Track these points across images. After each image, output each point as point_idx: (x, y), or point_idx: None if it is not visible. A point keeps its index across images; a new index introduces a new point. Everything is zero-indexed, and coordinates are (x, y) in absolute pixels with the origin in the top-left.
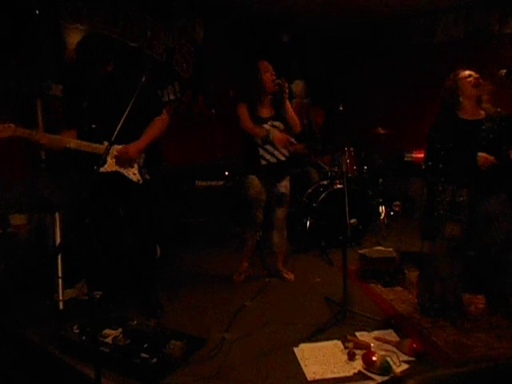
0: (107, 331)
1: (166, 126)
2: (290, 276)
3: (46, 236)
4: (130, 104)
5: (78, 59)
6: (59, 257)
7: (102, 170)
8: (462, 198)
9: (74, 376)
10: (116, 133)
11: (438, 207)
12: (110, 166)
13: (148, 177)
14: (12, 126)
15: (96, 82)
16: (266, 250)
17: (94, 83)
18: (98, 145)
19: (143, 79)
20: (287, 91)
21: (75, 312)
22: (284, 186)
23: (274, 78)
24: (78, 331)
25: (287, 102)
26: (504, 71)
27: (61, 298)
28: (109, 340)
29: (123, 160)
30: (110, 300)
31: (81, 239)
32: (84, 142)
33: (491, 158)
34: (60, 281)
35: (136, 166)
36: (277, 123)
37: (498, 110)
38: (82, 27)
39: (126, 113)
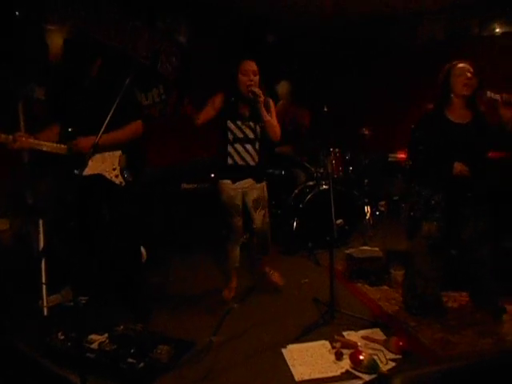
0: (93, 337)
1: (138, 133)
2: (277, 277)
3: (29, 241)
4: (113, 108)
5: (66, 56)
6: (43, 262)
7: (83, 173)
8: (437, 199)
9: (60, 383)
10: (98, 138)
11: (415, 207)
12: (91, 168)
13: (131, 179)
14: None
15: (82, 83)
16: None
17: (80, 85)
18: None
19: (127, 82)
20: (261, 100)
21: (60, 318)
22: (256, 193)
23: (251, 84)
24: (63, 337)
25: (263, 111)
26: (496, 95)
27: (45, 304)
28: (95, 346)
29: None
30: (95, 305)
31: (65, 243)
32: (62, 146)
33: (466, 170)
34: (44, 287)
35: (118, 167)
36: (252, 124)
37: (487, 117)
38: (66, 29)
39: (109, 117)
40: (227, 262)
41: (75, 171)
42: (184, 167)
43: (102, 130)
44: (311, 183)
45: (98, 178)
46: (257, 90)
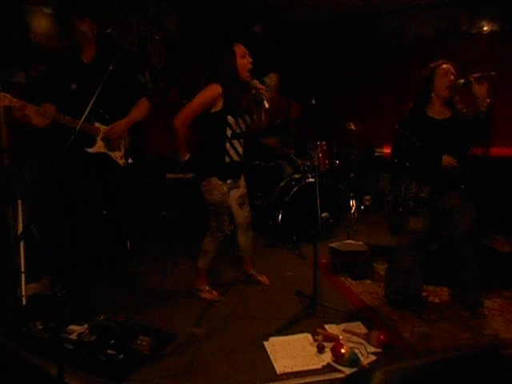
0: (72, 327)
1: (148, 109)
2: (265, 279)
3: (7, 227)
4: (99, 87)
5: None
6: (22, 250)
7: (90, 150)
8: (424, 194)
9: (37, 374)
10: (86, 113)
11: (402, 202)
12: (99, 147)
13: (131, 161)
14: (8, 95)
15: (84, 63)
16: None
17: (82, 64)
18: (88, 124)
19: (110, 68)
20: (266, 96)
21: (39, 308)
22: (242, 185)
23: (251, 64)
24: (41, 327)
25: (263, 112)
26: (462, 81)
27: (24, 293)
28: (73, 336)
29: (112, 140)
30: (75, 295)
31: (45, 230)
32: (94, 126)
33: (454, 161)
34: (23, 275)
35: (123, 149)
36: (247, 117)
37: (465, 110)
38: (48, 11)
39: (95, 96)
40: (206, 260)
41: (87, 149)
42: (169, 157)
43: (89, 108)
44: (297, 176)
45: (103, 157)
46: (259, 84)
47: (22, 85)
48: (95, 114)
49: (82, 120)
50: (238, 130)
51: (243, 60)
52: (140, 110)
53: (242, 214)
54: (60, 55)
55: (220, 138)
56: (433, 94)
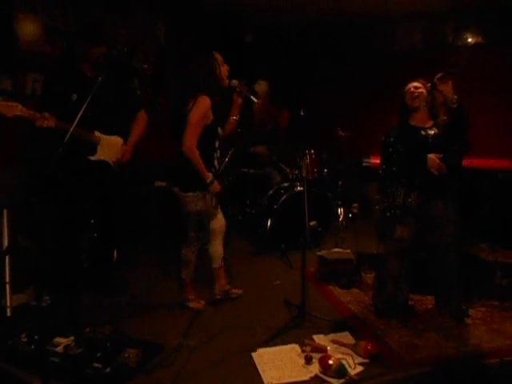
0: (58, 339)
1: (147, 122)
2: (239, 290)
3: None
4: (88, 98)
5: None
6: (7, 261)
7: (93, 158)
8: (411, 200)
9: None
10: (78, 117)
11: (390, 209)
12: (98, 154)
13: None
14: (18, 105)
15: (86, 76)
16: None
17: (84, 77)
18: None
19: (100, 79)
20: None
21: (24, 319)
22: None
23: (228, 71)
24: (26, 340)
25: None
26: (429, 85)
27: (8, 304)
28: (59, 349)
29: (122, 161)
30: (62, 306)
31: (32, 240)
32: (81, 129)
33: (439, 162)
34: (7, 286)
35: (119, 156)
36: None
37: (444, 118)
38: (38, 20)
39: (86, 103)
40: (189, 270)
41: (90, 157)
42: (158, 164)
43: (77, 118)
44: (286, 184)
45: (101, 163)
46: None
47: (8, 92)
48: (95, 123)
49: (73, 125)
50: (219, 142)
51: (223, 68)
52: (140, 125)
53: (219, 218)
54: (56, 63)
55: (210, 151)
56: (410, 109)
